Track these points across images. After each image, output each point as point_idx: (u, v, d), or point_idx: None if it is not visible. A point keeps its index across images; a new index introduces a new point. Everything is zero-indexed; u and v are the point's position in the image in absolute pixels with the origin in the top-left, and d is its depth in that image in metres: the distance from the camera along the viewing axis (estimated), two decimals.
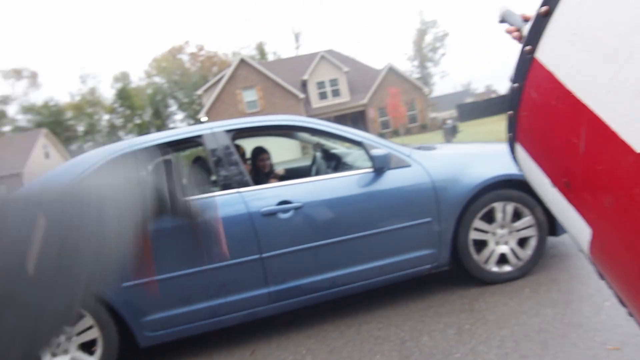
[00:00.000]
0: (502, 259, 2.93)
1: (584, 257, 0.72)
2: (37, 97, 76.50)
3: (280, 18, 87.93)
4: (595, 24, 0.51)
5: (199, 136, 2.81)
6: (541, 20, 0.57)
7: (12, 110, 65.41)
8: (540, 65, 0.59)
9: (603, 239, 0.58)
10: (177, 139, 2.84)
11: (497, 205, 2.86)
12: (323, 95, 30.42)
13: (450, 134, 12.93)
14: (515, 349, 2.12)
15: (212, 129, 2.83)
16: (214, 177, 3.48)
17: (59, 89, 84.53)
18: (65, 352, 2.44)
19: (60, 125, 52.71)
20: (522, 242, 2.94)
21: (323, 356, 2.40)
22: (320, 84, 30.32)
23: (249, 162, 4.00)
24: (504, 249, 2.91)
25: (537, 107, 0.62)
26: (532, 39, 0.59)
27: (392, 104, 26.10)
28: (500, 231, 2.90)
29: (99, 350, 2.44)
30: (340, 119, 29.05)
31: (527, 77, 0.62)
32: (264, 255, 2.58)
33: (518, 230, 2.91)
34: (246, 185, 2.69)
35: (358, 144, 2.88)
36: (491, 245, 2.90)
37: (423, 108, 31.32)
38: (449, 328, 2.45)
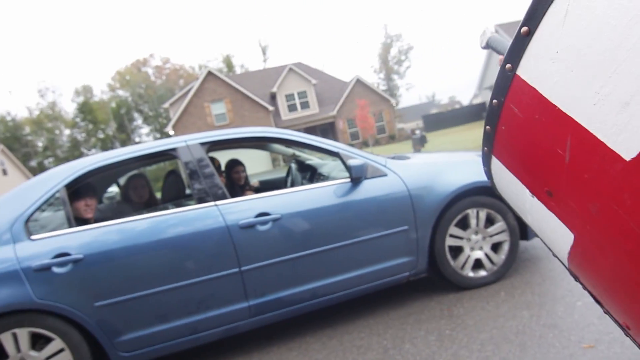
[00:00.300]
0: (478, 264, 3.00)
1: (559, 261, 0.75)
2: None
3: (247, 31, 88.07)
4: (578, 42, 0.54)
5: (173, 149, 2.75)
6: (522, 40, 0.60)
7: None
8: (523, 82, 0.61)
9: (585, 243, 0.62)
10: (150, 153, 2.78)
11: (471, 212, 2.93)
12: (292, 108, 30.52)
13: (419, 143, 13.25)
14: (495, 352, 2.16)
15: (187, 142, 2.78)
16: (188, 191, 3.42)
17: (16, 104, 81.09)
18: None
19: (18, 140, 50.42)
20: (496, 247, 3.03)
21: None
22: (289, 96, 30.44)
23: (224, 174, 3.94)
24: (478, 254, 2.99)
25: (519, 122, 0.65)
26: (513, 57, 0.62)
27: (361, 115, 26.46)
28: (474, 237, 2.97)
29: None
30: (310, 131, 29.18)
31: (508, 94, 0.65)
32: (243, 268, 2.53)
33: (491, 236, 2.99)
34: (223, 198, 2.65)
35: (334, 154, 2.90)
36: (466, 251, 2.96)
37: (390, 119, 31.93)
38: (430, 334, 2.47)
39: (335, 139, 30.18)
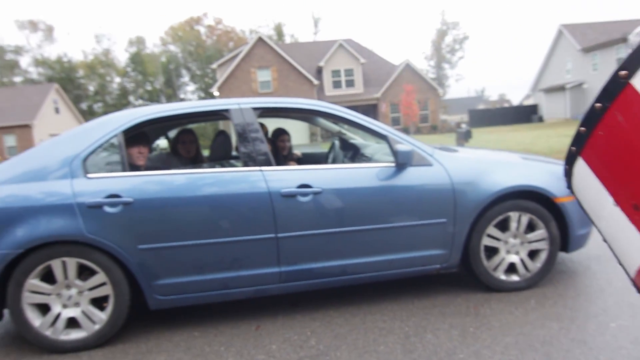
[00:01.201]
0: (511, 268, 2.95)
1: (624, 270, 0.74)
2: (51, 52, 76.13)
3: (302, 1, 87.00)
4: None
5: (226, 110, 2.81)
6: None
7: (24, 61, 65.06)
8: (635, 92, 0.60)
9: None
10: (204, 111, 2.85)
11: (513, 215, 2.87)
12: (337, 84, 30.23)
13: (464, 138, 12.94)
14: (519, 357, 2.15)
15: (240, 105, 2.83)
16: (235, 153, 3.50)
17: (73, 46, 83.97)
18: (77, 304, 2.48)
19: (71, 82, 52.50)
20: (533, 254, 2.97)
21: (327, 340, 2.44)
22: (336, 72, 30.12)
23: (270, 141, 4.00)
24: (514, 258, 2.94)
25: (621, 130, 0.63)
26: (631, 65, 0.60)
27: (406, 101, 25.95)
28: (512, 240, 2.92)
29: (109, 307, 2.49)
30: (352, 110, 28.92)
31: (616, 100, 0.63)
32: (279, 235, 2.60)
33: (530, 242, 2.93)
34: (269, 164, 2.70)
35: (383, 137, 2.89)
36: (502, 253, 2.92)
37: (435, 109, 31.16)
38: (453, 329, 2.48)
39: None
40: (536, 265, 2.94)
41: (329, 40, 33.23)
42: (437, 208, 2.79)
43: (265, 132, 4.01)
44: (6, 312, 2.48)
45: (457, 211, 2.80)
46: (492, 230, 2.88)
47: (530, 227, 2.94)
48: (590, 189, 0.74)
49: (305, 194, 2.63)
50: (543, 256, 2.93)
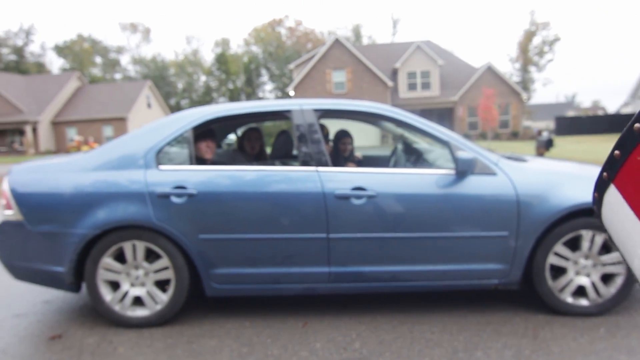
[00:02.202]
0: (580, 291, 2.72)
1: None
2: (147, 51, 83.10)
3: (381, 2, 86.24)
4: None
5: (288, 111, 2.89)
6: None
7: (124, 60, 71.74)
8: None
9: None
10: (267, 111, 2.96)
11: (585, 234, 2.64)
12: (412, 86, 29.61)
13: (544, 146, 11.96)
14: None
15: (301, 106, 2.90)
16: (295, 152, 3.59)
17: (166, 46, 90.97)
18: (143, 285, 2.71)
19: (163, 79, 56.91)
20: (607, 278, 2.71)
21: (371, 345, 2.43)
22: (411, 74, 29.50)
23: (331, 142, 4.05)
24: (584, 280, 2.70)
25: None
26: None
27: (485, 105, 24.64)
28: (583, 261, 2.68)
29: (171, 289, 2.68)
30: (426, 114, 28.17)
31: None
32: (331, 235, 2.63)
33: (604, 265, 2.67)
34: (325, 165, 2.74)
35: (444, 143, 2.80)
36: (570, 274, 2.70)
37: (517, 114, 29.31)
38: (507, 349, 2.34)
39: (451, 126, 28.79)
40: (610, 290, 2.67)
41: (407, 42, 32.65)
42: (498, 220, 2.64)
43: (326, 134, 4.06)
44: (83, 286, 2.77)
45: (520, 225, 2.63)
46: (560, 248, 2.67)
47: (606, 249, 2.68)
48: (624, 222, 0.67)
49: (359, 197, 2.63)
50: (619, 281, 2.66)
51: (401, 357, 2.30)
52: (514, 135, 28.90)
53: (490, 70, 28.86)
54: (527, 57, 50.55)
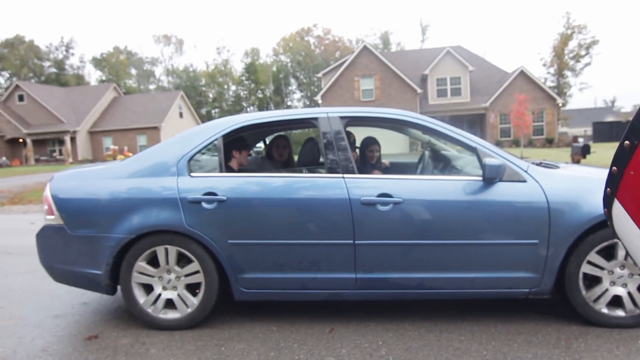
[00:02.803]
0: (616, 302, 2.62)
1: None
2: (180, 62, 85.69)
3: (410, 8, 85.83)
4: None
5: (315, 118, 2.94)
6: None
7: (158, 71, 74.21)
8: None
9: None
10: (294, 119, 3.02)
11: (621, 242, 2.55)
12: (442, 93, 29.27)
13: (579, 153, 11.52)
14: None
15: (328, 114, 2.94)
16: (322, 159, 3.63)
17: (198, 57, 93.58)
18: (174, 288, 2.80)
19: (194, 89, 58.52)
20: None
21: (398, 352, 2.42)
22: (441, 81, 29.19)
23: (357, 149, 4.07)
24: (620, 291, 2.60)
25: None
26: None
27: (517, 111, 24.04)
28: (619, 271, 2.59)
29: (201, 293, 2.76)
30: (456, 120, 27.75)
31: None
32: (357, 242, 2.65)
33: None
34: (352, 172, 2.76)
35: (472, 149, 2.77)
36: (605, 283, 2.61)
37: (552, 120, 28.46)
38: None
39: (482, 133, 28.24)
40: None
41: (436, 48, 32.37)
42: (528, 228, 2.59)
43: (353, 140, 4.08)
44: (119, 289, 2.89)
45: (552, 232, 2.57)
46: (594, 257, 2.59)
47: None
48: (631, 234, 0.68)
49: (385, 203, 2.64)
50: None
51: None
52: (549, 142, 28.05)
53: (523, 75, 28.20)
54: (562, 62, 49.08)
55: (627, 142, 0.61)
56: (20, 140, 33.39)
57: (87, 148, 34.11)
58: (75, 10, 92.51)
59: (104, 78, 58.04)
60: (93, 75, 66.43)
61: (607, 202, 0.72)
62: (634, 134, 0.60)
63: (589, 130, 33.52)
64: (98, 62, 60.15)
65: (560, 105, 29.32)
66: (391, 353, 2.42)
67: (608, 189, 0.70)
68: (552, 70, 49.87)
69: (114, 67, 59.47)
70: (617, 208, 0.70)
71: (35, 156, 33.61)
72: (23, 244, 5.53)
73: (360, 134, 4.43)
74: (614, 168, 0.65)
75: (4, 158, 32.08)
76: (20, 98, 33.74)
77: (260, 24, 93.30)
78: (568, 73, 49.60)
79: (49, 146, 34.41)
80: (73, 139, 32.92)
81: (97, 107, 35.02)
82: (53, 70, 56.27)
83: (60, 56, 57.21)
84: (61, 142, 33.64)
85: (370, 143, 4.03)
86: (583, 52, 48.22)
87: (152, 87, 62.27)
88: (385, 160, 4.36)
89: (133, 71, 63.14)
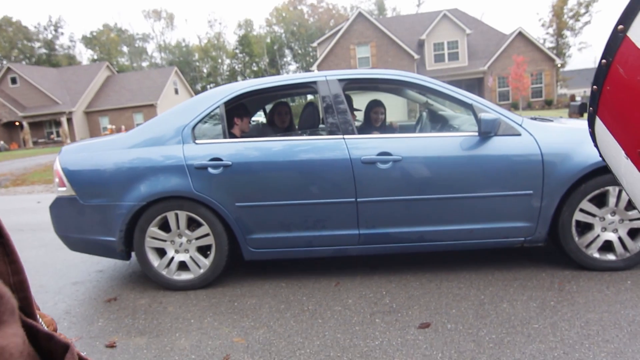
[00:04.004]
0: (607, 247, 2.76)
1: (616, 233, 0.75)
2: (172, 38, 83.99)
3: None
4: None
5: (314, 82, 3.00)
6: (636, 2, 0.62)
7: (150, 48, 72.84)
8: (632, 44, 0.63)
9: None
10: (294, 83, 3.08)
11: (612, 190, 2.66)
12: (439, 58, 28.88)
13: (577, 111, 11.52)
14: (599, 333, 2.07)
15: (326, 77, 2.99)
16: (322, 125, 3.70)
17: (190, 32, 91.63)
18: (186, 251, 2.93)
19: (188, 65, 57.64)
20: (634, 233, 2.73)
21: (401, 300, 2.57)
22: (438, 45, 28.74)
23: (356, 112, 4.12)
24: (610, 236, 2.73)
25: (622, 82, 0.67)
26: (626, 18, 0.64)
27: (515, 74, 23.79)
28: (610, 217, 2.72)
29: (212, 255, 2.90)
30: (455, 85, 27.17)
31: (617, 54, 0.66)
32: (359, 199, 2.76)
33: (632, 220, 2.69)
34: (352, 133, 2.85)
35: (467, 105, 2.85)
36: (597, 230, 2.74)
37: (551, 82, 28.20)
38: (532, 301, 2.44)
39: (481, 96, 28.02)
40: (637, 244, 2.70)
41: (433, 12, 31.70)
42: (523, 179, 2.70)
43: (351, 103, 4.12)
44: (132, 254, 3.03)
45: (545, 183, 2.68)
46: (586, 204, 2.71)
47: (633, 204, 2.69)
48: (609, 147, 0.76)
49: (385, 162, 2.74)
50: None
51: (429, 309, 2.43)
52: (548, 104, 27.90)
53: (521, 36, 27.74)
54: (561, 21, 48.04)
55: (604, 60, 0.69)
56: (17, 123, 33.21)
57: (84, 128, 33.95)
58: None
59: (95, 57, 57.14)
60: (84, 55, 65.37)
61: (590, 121, 0.80)
62: (609, 52, 0.68)
63: (589, 91, 33.18)
64: (89, 41, 59.04)
65: (559, 66, 28.99)
66: (394, 301, 2.57)
67: (590, 107, 0.78)
68: (550, 30, 48.88)
69: (105, 46, 58.41)
70: (599, 125, 0.78)
71: (32, 139, 33.51)
72: (33, 221, 5.67)
73: (365, 99, 4.46)
74: (594, 87, 0.74)
75: (1, 142, 32.02)
76: (13, 81, 33.33)
77: None
78: (567, 33, 48.63)
79: (45, 128, 34.25)
80: (69, 120, 32.72)
81: (92, 86, 34.63)
82: (43, 51, 55.28)
83: (50, 36, 56.08)
84: (58, 124, 33.47)
85: (375, 105, 3.98)
86: (582, 11, 47.13)
87: (145, 64, 61.32)
88: (395, 122, 4.41)
89: (125, 49, 62.03)
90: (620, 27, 0.65)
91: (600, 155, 0.89)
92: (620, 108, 0.69)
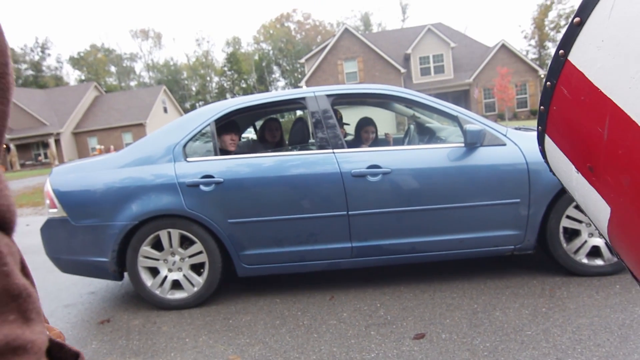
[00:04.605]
0: (595, 252, 2.81)
1: (603, 238, 0.81)
2: (160, 57, 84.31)
3: None
4: (619, 33, 0.62)
5: (303, 98, 3.05)
6: (574, 29, 0.68)
7: (137, 67, 72.95)
8: (572, 66, 0.69)
9: (621, 215, 0.69)
10: (283, 99, 3.13)
11: None
12: (425, 71, 29.36)
13: None
14: (591, 337, 2.10)
15: (315, 93, 3.05)
16: (312, 140, 3.75)
17: (178, 50, 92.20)
18: (180, 269, 2.92)
19: (177, 83, 57.79)
20: None
21: (395, 312, 2.59)
22: (424, 59, 29.24)
23: (345, 126, 4.18)
24: (598, 241, 2.79)
25: (568, 102, 0.72)
26: (566, 44, 0.70)
27: (500, 85, 24.28)
28: None
29: (205, 272, 2.89)
30: (441, 97, 27.58)
31: (560, 76, 0.72)
32: (351, 212, 2.79)
33: (598, 231, 2.75)
34: (341, 147, 2.89)
35: (452, 117, 2.92)
36: (584, 235, 2.79)
37: (536, 92, 28.77)
38: (524, 308, 2.47)
39: (467, 109, 28.39)
40: None
41: (417, 26, 32.33)
42: (510, 188, 2.76)
43: (340, 117, 4.18)
44: (125, 275, 3.01)
45: (532, 191, 2.74)
46: (572, 211, 2.77)
47: None
48: (560, 163, 0.81)
49: (374, 174, 2.78)
50: None
51: (424, 320, 2.45)
52: (533, 114, 28.40)
53: (504, 49, 28.37)
54: (543, 33, 49.32)
55: (548, 82, 0.75)
56: (5, 146, 32.83)
57: (73, 149, 33.69)
58: (47, 10, 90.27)
59: (83, 77, 57.03)
60: (72, 75, 65.26)
61: (540, 139, 0.85)
62: (553, 75, 0.73)
63: None
64: (76, 62, 58.98)
65: (542, 76, 29.59)
66: (389, 313, 2.58)
67: (539, 127, 0.83)
68: (533, 42, 50.14)
69: (93, 66, 58.39)
70: (548, 142, 0.83)
71: (20, 161, 33.15)
72: (22, 244, 5.57)
73: (354, 113, 4.52)
74: (542, 107, 0.79)
75: None
76: None
77: (238, 13, 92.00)
78: (549, 44, 49.90)
79: (33, 150, 33.91)
80: (57, 142, 32.47)
81: (80, 107, 34.48)
82: (30, 72, 55.08)
83: (37, 57, 55.93)
84: (45, 145, 33.17)
85: (365, 124, 3.84)
86: (563, 22, 48.43)
87: (133, 83, 61.35)
88: (390, 134, 4.47)
89: (112, 69, 62.06)
90: (561, 52, 0.70)
91: (551, 170, 0.93)
92: (567, 126, 0.75)
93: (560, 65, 0.72)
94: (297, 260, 2.88)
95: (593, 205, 0.75)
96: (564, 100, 0.73)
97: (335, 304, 2.79)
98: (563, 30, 0.72)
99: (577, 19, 0.67)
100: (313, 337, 2.39)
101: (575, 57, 0.69)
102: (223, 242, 2.85)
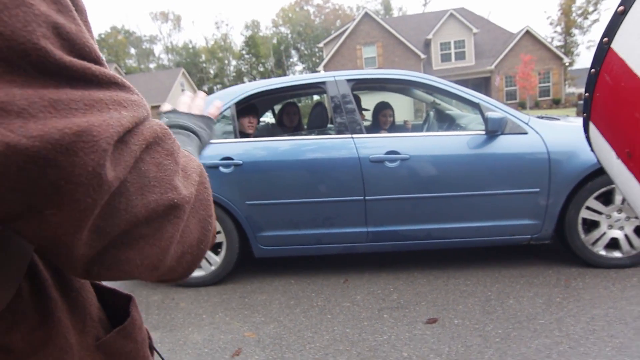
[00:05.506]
0: (613, 244, 2.78)
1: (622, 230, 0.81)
2: (179, 39, 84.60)
3: None
4: None
5: (323, 82, 3.06)
6: (618, 18, 0.68)
7: (157, 49, 73.41)
8: (615, 54, 0.70)
9: None
10: (303, 83, 3.14)
11: None
12: (446, 57, 28.81)
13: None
14: (604, 328, 2.10)
15: (335, 77, 3.05)
16: (330, 125, 3.76)
17: (196, 33, 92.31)
18: None
19: (195, 66, 58.02)
20: None
21: (408, 296, 2.62)
22: (445, 45, 28.68)
23: (364, 111, 4.16)
24: (617, 233, 2.76)
25: (609, 89, 0.73)
26: (610, 32, 0.70)
27: (523, 73, 23.70)
28: (616, 215, 2.74)
29: (223, 252, 2.96)
30: (461, 84, 27.24)
31: (603, 64, 0.73)
32: (367, 197, 2.81)
33: (638, 217, 2.71)
34: (360, 132, 2.90)
35: (474, 105, 2.89)
36: (603, 227, 2.76)
37: (559, 81, 28.03)
38: (538, 297, 2.47)
39: (488, 96, 27.91)
40: None
41: (439, 11, 31.65)
42: (530, 177, 2.73)
43: (358, 103, 4.16)
44: None
45: (552, 181, 2.71)
46: (593, 202, 2.74)
47: None
48: (603, 150, 0.82)
49: (392, 160, 2.78)
50: None
51: (436, 305, 2.48)
52: (556, 103, 27.73)
53: (528, 35, 27.61)
54: (569, 19, 47.68)
55: (593, 69, 0.75)
56: None
57: None
58: None
59: (104, 59, 57.65)
60: None
61: (585, 127, 0.86)
62: (597, 62, 0.74)
63: None
64: (97, 43, 59.59)
65: (567, 64, 28.79)
66: (402, 297, 2.62)
67: (584, 113, 0.84)
68: (559, 28, 48.52)
69: (113, 48, 58.95)
70: (592, 129, 0.84)
71: None
72: None
73: (372, 98, 4.51)
74: (586, 94, 0.80)
75: None
76: None
77: None
78: (575, 31, 48.26)
79: None
80: None
81: None
82: None
83: None
84: None
85: (383, 107, 3.93)
86: (591, 9, 46.73)
87: (152, 65, 61.84)
88: (409, 121, 4.45)
89: (132, 51, 62.59)
90: (605, 39, 0.71)
91: (597, 158, 0.94)
92: (608, 112, 0.75)
93: (603, 53, 0.72)
94: (312, 243, 2.93)
95: (631, 192, 0.76)
96: (606, 87, 0.74)
97: (349, 286, 2.83)
98: (606, 19, 0.73)
99: (620, 8, 0.68)
100: (327, 317, 2.44)
101: (618, 44, 0.70)
102: (241, 223, 2.91)
